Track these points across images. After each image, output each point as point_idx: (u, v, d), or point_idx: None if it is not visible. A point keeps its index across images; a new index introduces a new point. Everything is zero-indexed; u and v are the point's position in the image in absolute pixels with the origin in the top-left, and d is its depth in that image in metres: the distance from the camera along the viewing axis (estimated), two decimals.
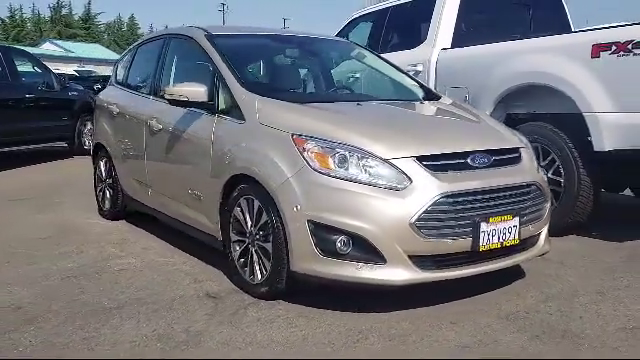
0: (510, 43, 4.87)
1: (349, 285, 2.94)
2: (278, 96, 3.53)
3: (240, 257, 3.40)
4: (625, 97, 4.04)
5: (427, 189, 2.83)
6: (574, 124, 4.31)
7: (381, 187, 2.84)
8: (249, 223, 3.29)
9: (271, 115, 3.29)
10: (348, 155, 2.92)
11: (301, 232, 2.92)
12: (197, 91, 3.63)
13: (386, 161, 2.88)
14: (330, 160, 2.92)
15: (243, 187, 3.30)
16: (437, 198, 2.81)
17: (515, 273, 3.54)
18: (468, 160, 3.03)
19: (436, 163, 2.94)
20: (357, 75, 4.49)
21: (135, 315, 3.08)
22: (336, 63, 4.56)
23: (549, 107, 4.61)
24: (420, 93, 4.16)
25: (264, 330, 2.86)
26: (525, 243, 3.18)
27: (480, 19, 5.76)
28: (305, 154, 2.97)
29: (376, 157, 2.89)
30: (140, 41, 5.28)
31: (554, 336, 2.77)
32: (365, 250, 2.83)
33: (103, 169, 5.32)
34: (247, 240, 3.32)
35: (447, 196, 2.84)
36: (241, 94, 3.49)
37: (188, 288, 3.48)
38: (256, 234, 3.24)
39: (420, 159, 2.92)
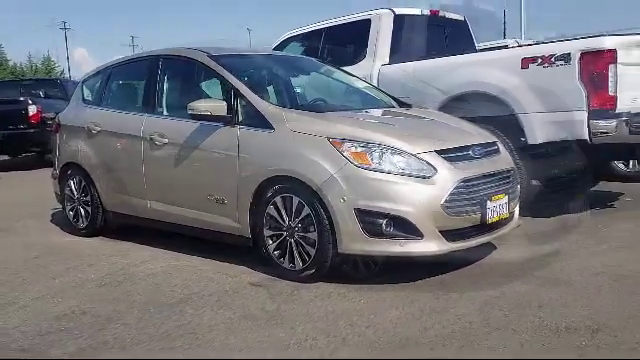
0: (450, 58, 5.78)
1: (393, 259, 3.55)
2: (296, 107, 4.06)
3: (275, 249, 3.87)
4: (550, 99, 5.04)
5: (450, 176, 3.54)
6: (509, 123, 5.26)
7: (414, 176, 3.50)
8: (286, 218, 3.78)
9: (301, 123, 3.83)
10: (382, 152, 3.54)
11: (349, 219, 3.49)
12: (219, 106, 4.07)
13: (414, 155, 3.55)
14: (368, 157, 3.53)
15: (279, 187, 3.79)
16: (458, 183, 3.53)
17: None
18: (470, 152, 3.79)
19: (451, 155, 3.66)
20: (331, 88, 5.10)
21: (204, 305, 3.45)
22: (314, 79, 5.14)
23: (485, 111, 5.54)
24: (392, 101, 4.87)
25: (327, 304, 3.37)
26: (510, 217, 3.99)
27: (409, 38, 6.62)
28: (344, 154, 3.55)
29: (406, 152, 3.55)
30: (113, 63, 5.48)
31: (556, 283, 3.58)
32: (406, 229, 3.47)
33: (74, 188, 5.44)
34: (284, 233, 3.80)
35: (464, 181, 3.57)
36: (266, 107, 4.00)
37: (228, 282, 3.87)
38: (295, 227, 3.74)
39: (439, 152, 3.62)
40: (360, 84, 5.14)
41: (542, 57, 5.06)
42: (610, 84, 4.73)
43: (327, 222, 3.56)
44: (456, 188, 3.53)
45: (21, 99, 12.24)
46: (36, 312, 3.48)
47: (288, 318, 3.20)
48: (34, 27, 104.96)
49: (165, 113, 4.69)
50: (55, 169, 5.72)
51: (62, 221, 5.99)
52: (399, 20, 6.49)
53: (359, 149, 3.57)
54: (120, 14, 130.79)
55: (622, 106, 4.83)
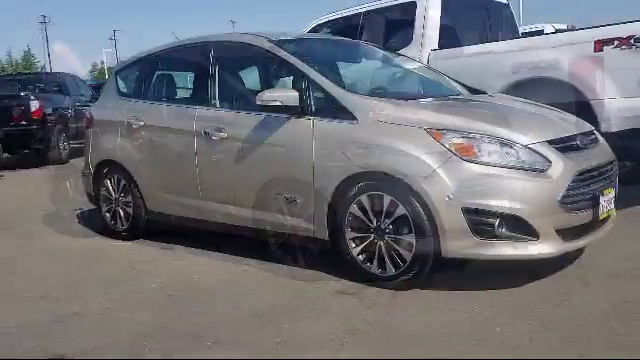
0: (511, 42, 5.42)
1: (504, 263, 3.19)
2: (378, 95, 3.69)
3: (360, 253, 3.50)
4: (627, 84, 4.70)
5: (565, 169, 3.18)
6: (580, 111, 4.91)
7: (527, 170, 3.13)
8: (374, 219, 3.40)
9: (390, 113, 3.45)
10: (490, 144, 3.18)
11: (456, 219, 3.12)
12: (291, 96, 3.68)
13: (526, 147, 3.18)
14: (475, 149, 3.16)
15: (366, 184, 3.41)
16: (574, 176, 3.18)
17: None
18: (577, 142, 3.43)
19: (561, 146, 3.30)
20: (397, 75, 4.71)
21: (297, 318, 3.09)
22: (378, 65, 4.75)
23: (552, 97, 5.18)
24: (463, 88, 4.49)
25: (436, 315, 3.03)
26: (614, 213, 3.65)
27: (456, 22, 6.26)
28: (447, 146, 3.18)
29: (516, 144, 3.18)
30: (153, 52, 5.05)
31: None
32: (520, 229, 3.11)
33: (112, 187, 5.03)
34: (372, 235, 3.43)
35: (579, 174, 3.22)
36: (346, 95, 3.61)
37: (311, 290, 3.50)
38: (385, 228, 3.36)
39: (550, 143, 3.26)
40: (424, 70, 4.75)
41: (619, 39, 4.71)
42: None
43: (428, 223, 3.19)
44: (573, 182, 3.17)
45: (22, 94, 11.70)
46: (110, 329, 3.09)
47: (399, 332, 2.85)
48: (12, 21, 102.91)
49: (221, 105, 4.28)
50: (88, 167, 5.29)
51: (90, 223, 5.65)
52: (446, 2, 6.11)
53: (463, 140, 3.21)
54: (100, 8, 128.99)
55: None
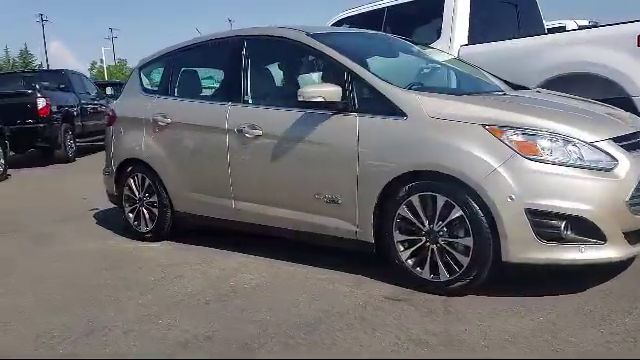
0: (546, 37, 5.25)
1: (568, 268, 3.01)
2: (428, 90, 3.51)
3: (410, 257, 3.32)
4: None
5: (632, 168, 3.00)
6: (621, 107, 4.73)
7: (593, 169, 2.96)
8: (426, 221, 3.23)
9: (443, 108, 3.26)
10: (553, 141, 3.00)
11: (519, 221, 2.94)
12: (333, 91, 3.51)
13: (590, 144, 3.00)
14: (538, 147, 2.99)
15: (417, 184, 3.24)
16: None
17: None
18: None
19: (626, 143, 3.12)
20: (436, 70, 4.53)
21: (352, 326, 2.92)
22: (416, 59, 4.55)
23: (590, 94, 5.01)
24: (503, 84, 4.31)
25: (499, 323, 2.85)
26: None
27: (486, 17, 6.08)
28: (508, 143, 3.00)
29: (580, 141, 3.00)
30: (180, 47, 4.85)
31: None
32: (586, 232, 2.93)
33: (136, 187, 4.85)
34: (423, 239, 3.25)
35: None
36: (395, 90, 3.43)
37: (358, 296, 3.33)
38: (439, 231, 3.19)
39: (615, 140, 3.08)
40: (461, 65, 4.57)
41: None
42: None
43: (487, 225, 3.01)
44: None
45: (29, 91, 11.49)
46: (150, 338, 2.91)
47: (465, 343, 2.67)
48: (10, 20, 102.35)
49: (255, 101, 4.10)
50: (110, 166, 5.10)
51: (109, 224, 5.49)
52: None
53: (524, 138, 3.03)
54: (97, 7, 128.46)
55: None
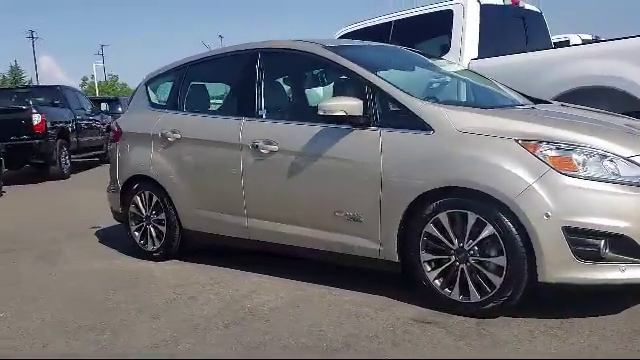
0: (561, 50, 5.19)
1: (608, 288, 2.89)
2: (456, 103, 3.40)
3: (438, 277, 3.19)
4: None
5: None
6: None
7: (632, 185, 2.84)
8: (455, 239, 3.10)
9: (472, 122, 3.15)
10: (590, 156, 2.89)
11: (555, 240, 2.82)
12: (355, 105, 3.40)
13: (628, 159, 2.89)
14: (574, 162, 2.87)
15: (445, 201, 3.11)
16: None
17: None
18: None
19: None
20: (454, 83, 4.42)
21: (390, 349, 2.80)
22: (431, 73, 4.45)
23: (607, 107, 4.93)
24: (523, 97, 4.21)
25: (540, 345, 2.73)
26: None
27: (495, 30, 6.01)
28: (543, 159, 2.88)
29: (617, 156, 2.89)
30: (190, 61, 4.72)
31: None
32: (627, 250, 2.81)
33: (142, 204, 4.69)
34: (452, 258, 3.12)
35: None
36: (419, 104, 3.32)
37: (384, 318, 3.19)
38: (469, 249, 3.06)
39: None
40: (479, 78, 4.46)
41: None
42: None
43: (522, 244, 2.89)
44: None
45: (24, 107, 11.31)
46: None
47: None
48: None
49: (270, 116, 3.97)
50: (114, 183, 4.94)
51: (113, 242, 5.32)
52: (485, 10, 5.88)
53: (560, 152, 2.91)
54: (87, 23, 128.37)
55: None
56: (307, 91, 4.13)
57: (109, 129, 14.98)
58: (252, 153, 3.91)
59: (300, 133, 3.71)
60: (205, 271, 4.30)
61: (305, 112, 3.92)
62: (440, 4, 6.10)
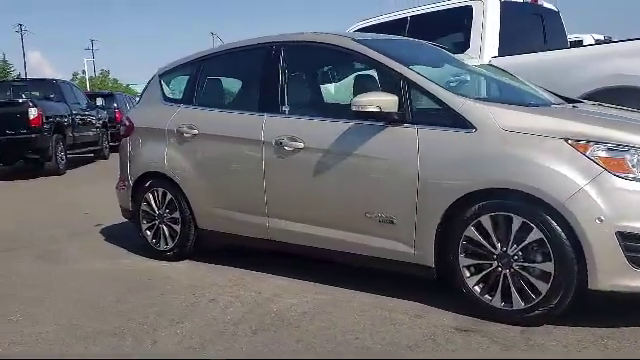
0: (590, 48, 5.06)
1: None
2: (497, 101, 3.25)
3: (477, 283, 3.03)
4: None
5: None
6: None
7: None
8: (498, 243, 2.94)
9: (518, 121, 2.99)
10: None
11: (608, 246, 2.67)
12: (390, 100, 3.23)
13: None
14: (628, 164, 2.73)
15: (488, 203, 2.95)
16: None
17: None
18: None
19: None
20: (472, 79, 4.26)
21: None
22: (456, 69, 4.28)
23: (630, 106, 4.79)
24: (555, 96, 4.06)
25: (593, 357, 2.56)
26: None
27: (515, 28, 5.87)
28: (595, 160, 2.73)
29: None
30: (207, 54, 4.53)
31: None
32: None
33: (155, 202, 4.50)
34: (494, 263, 2.97)
35: None
36: (460, 100, 3.15)
37: (420, 325, 3.03)
38: (513, 254, 2.90)
39: None
40: (508, 76, 4.30)
41: None
42: None
43: (572, 249, 2.74)
44: None
45: (20, 101, 11.04)
46: None
47: None
48: None
49: (295, 112, 3.80)
50: (126, 180, 4.74)
51: (119, 241, 5.15)
52: (505, 7, 5.73)
53: (612, 154, 2.76)
54: (77, 18, 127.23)
55: None
56: (334, 86, 3.96)
57: (105, 125, 14.87)
58: (275, 150, 3.74)
59: (328, 130, 3.54)
60: (221, 272, 4.12)
61: (332, 108, 3.75)
62: (458, 0, 5.93)
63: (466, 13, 5.76)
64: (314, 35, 3.89)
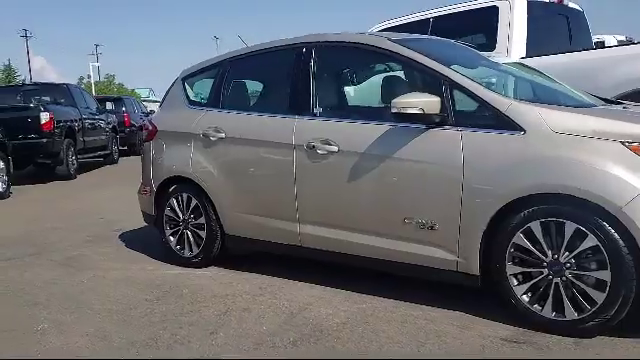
0: (625, 48, 4.91)
1: None
2: (545, 102, 3.13)
3: (526, 292, 2.90)
4: None
5: None
6: None
7: None
8: (548, 251, 2.81)
9: (569, 123, 2.87)
10: None
11: None
12: (433, 102, 3.11)
13: None
14: None
15: (539, 209, 2.83)
16: None
17: None
18: None
19: None
20: (510, 79, 4.13)
21: None
22: (491, 69, 4.15)
23: None
24: (592, 98, 3.93)
25: None
26: None
27: (542, 28, 5.75)
28: None
29: None
30: (233, 55, 4.41)
31: None
32: None
33: (179, 208, 4.39)
34: (545, 271, 2.84)
35: None
36: (506, 102, 3.03)
37: (468, 336, 2.91)
38: (566, 262, 2.77)
39: None
40: (543, 77, 4.17)
41: None
42: None
43: (631, 257, 2.60)
44: None
45: (32, 105, 10.95)
46: None
47: None
48: None
49: (327, 114, 3.68)
50: (148, 184, 4.63)
51: (141, 247, 5.04)
52: (531, 7, 5.60)
53: None
54: (80, 22, 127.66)
55: None
56: (368, 87, 3.84)
57: (114, 129, 14.78)
58: (307, 154, 3.62)
59: (363, 132, 3.43)
60: (250, 279, 4.00)
61: (367, 110, 3.63)
62: (483, 0, 5.81)
63: (492, 13, 5.64)
64: (347, 35, 3.78)
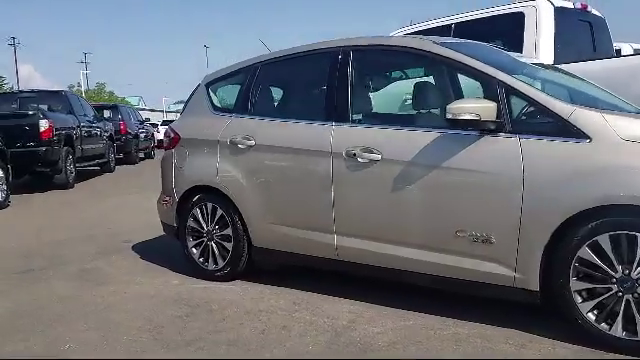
0: None
1: None
2: (610, 108, 2.97)
3: (592, 310, 2.73)
4: None
5: None
6: None
7: None
8: (618, 266, 2.64)
9: (637, 131, 2.70)
10: None
11: None
12: (491, 108, 2.94)
13: None
14: None
15: (608, 221, 2.67)
16: None
17: None
18: None
19: None
20: (565, 88, 3.96)
21: None
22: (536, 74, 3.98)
23: None
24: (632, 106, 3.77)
25: None
26: None
27: (568, 35, 5.62)
28: None
29: None
30: (261, 60, 4.22)
31: None
32: None
33: (203, 218, 4.18)
34: (614, 288, 2.67)
35: None
36: (568, 109, 2.87)
37: (527, 355, 2.72)
38: (638, 279, 2.60)
39: None
40: (585, 83, 4.01)
41: None
42: None
43: None
44: None
45: (30, 113, 10.69)
46: None
47: None
48: None
49: (367, 121, 3.52)
50: (170, 194, 4.42)
51: (158, 259, 4.82)
52: (558, 13, 5.47)
53: None
54: (71, 32, 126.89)
55: None
56: (411, 93, 3.66)
57: (111, 137, 14.51)
58: (346, 162, 3.44)
59: (409, 140, 3.25)
60: (281, 294, 3.80)
61: (411, 116, 3.45)
62: (508, 6, 5.68)
63: (517, 20, 5.51)
64: (387, 38, 3.63)
